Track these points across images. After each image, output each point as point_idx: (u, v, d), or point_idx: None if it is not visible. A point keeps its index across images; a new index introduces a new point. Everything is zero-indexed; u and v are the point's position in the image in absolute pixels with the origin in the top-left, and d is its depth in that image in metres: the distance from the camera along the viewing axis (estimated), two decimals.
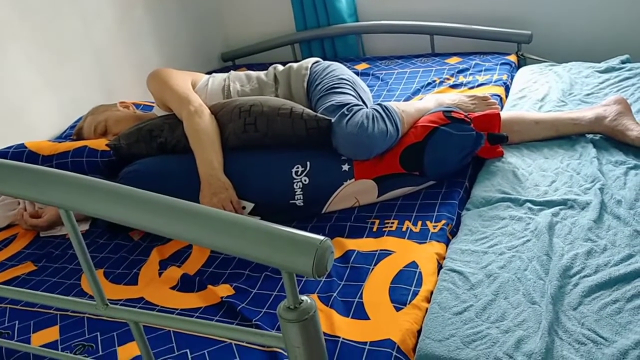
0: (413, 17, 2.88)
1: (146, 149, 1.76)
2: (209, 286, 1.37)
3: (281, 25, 3.17)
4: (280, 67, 2.03)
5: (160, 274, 1.46)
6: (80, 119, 2.15)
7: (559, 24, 2.68)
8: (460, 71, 2.48)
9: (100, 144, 1.82)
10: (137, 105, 2.28)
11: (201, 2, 3.14)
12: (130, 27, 2.69)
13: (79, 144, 1.84)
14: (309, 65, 1.97)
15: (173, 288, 1.39)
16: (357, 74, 2.65)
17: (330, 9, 2.94)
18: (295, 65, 2.00)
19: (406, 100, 2.30)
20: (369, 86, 2.21)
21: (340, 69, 1.95)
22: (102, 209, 0.81)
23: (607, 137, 1.71)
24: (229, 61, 3.27)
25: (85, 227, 1.75)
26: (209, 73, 2.78)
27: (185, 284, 1.39)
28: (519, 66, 2.53)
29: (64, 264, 1.58)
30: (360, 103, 1.76)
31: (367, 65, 2.80)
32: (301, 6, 3.02)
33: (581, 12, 2.62)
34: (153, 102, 2.06)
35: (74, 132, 2.08)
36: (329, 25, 3.00)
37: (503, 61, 2.50)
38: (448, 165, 1.66)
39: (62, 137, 2.23)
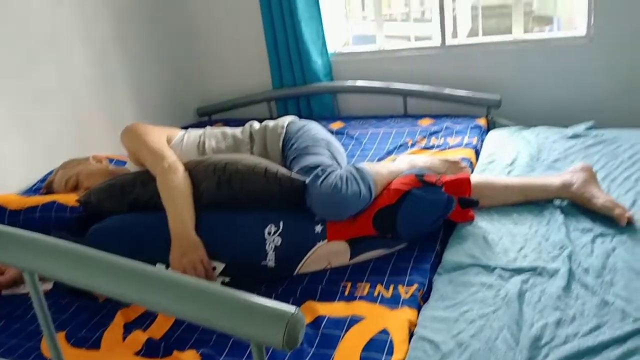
0: (387, 78, 2.96)
1: (117, 205, 1.74)
2: (175, 352, 1.33)
3: (258, 82, 3.22)
4: (256, 125, 2.04)
5: (124, 338, 1.41)
6: (51, 172, 2.12)
7: (526, 89, 2.78)
8: (432, 133, 2.53)
9: (70, 199, 1.79)
10: (110, 160, 2.26)
11: (179, 56, 3.18)
12: (107, 79, 2.70)
13: (48, 199, 1.81)
14: (285, 124, 1.99)
15: (137, 353, 1.34)
16: (331, 132, 2.68)
17: (307, 68, 3.01)
18: (271, 123, 2.02)
19: (380, 160, 2.33)
20: (343, 145, 2.24)
21: (315, 129, 1.98)
22: (66, 274, 0.80)
23: (575, 204, 1.75)
24: (205, 116, 3.29)
25: (48, 286, 1.70)
26: (185, 127, 2.79)
27: (150, 349, 1.35)
28: (488, 129, 2.60)
29: (25, 325, 1.52)
30: (335, 164, 1.78)
31: (342, 124, 2.85)
32: (278, 64, 3.07)
33: (547, 78, 2.73)
34: (127, 157, 2.05)
35: (44, 185, 2.04)
36: (305, 84, 3.05)
37: (473, 124, 2.57)
38: (420, 228, 1.68)
39: (32, 190, 2.18)
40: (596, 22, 2.57)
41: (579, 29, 2.76)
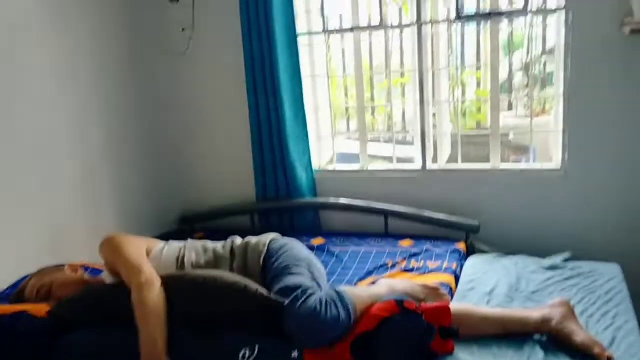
0: (369, 197, 3.02)
1: (89, 318, 1.69)
2: None
3: (242, 194, 3.26)
4: (238, 241, 2.05)
5: None
6: (25, 277, 2.06)
7: (505, 217, 2.85)
8: (412, 255, 2.55)
9: (41, 310, 1.74)
10: (86, 268, 2.22)
11: (164, 163, 3.23)
12: (90, 185, 2.71)
13: (18, 309, 1.75)
14: (267, 242, 2.00)
15: None
16: (312, 248, 2.69)
17: (291, 183, 3.06)
18: (253, 240, 2.02)
19: (360, 280, 2.32)
20: (323, 262, 2.23)
21: (297, 248, 1.99)
22: None
23: (554, 339, 1.73)
24: (187, 224, 3.28)
25: None
26: (166, 235, 2.78)
27: None
28: (468, 254, 2.63)
29: None
30: (315, 286, 1.76)
31: (323, 241, 2.86)
32: (263, 177, 3.13)
33: (525, 207, 2.80)
34: (104, 265, 2.02)
35: (14, 292, 1.98)
36: (289, 199, 3.09)
37: (452, 248, 2.59)
38: (399, 356, 1.64)
39: (2, 297, 2.11)
40: (570, 156, 2.69)
41: (554, 161, 2.88)
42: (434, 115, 3.18)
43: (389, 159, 3.34)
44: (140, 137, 3.03)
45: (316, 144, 3.23)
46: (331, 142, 3.33)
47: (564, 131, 2.70)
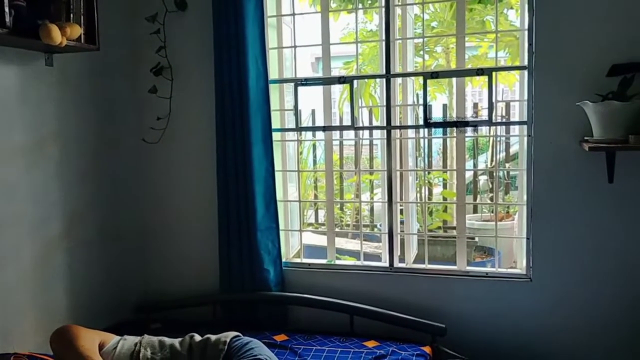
0: (335, 293, 2.98)
1: None
2: None
3: (204, 283, 3.18)
4: (197, 338, 1.98)
5: None
6: None
7: (471, 320, 2.83)
8: (378, 357, 2.49)
9: None
10: (32, 358, 2.08)
11: (123, 247, 3.11)
12: (43, 269, 2.59)
13: None
14: (228, 340, 1.94)
15: None
16: (275, 344, 2.61)
17: (258, 275, 3.00)
18: (213, 337, 1.96)
19: None
20: None
21: (259, 348, 1.93)
22: None
23: None
24: (144, 314, 3.15)
25: None
26: (121, 324, 2.67)
27: None
28: (434, 357, 2.58)
29: None
30: None
31: (286, 337, 2.77)
32: (228, 268, 3.07)
33: (491, 311, 2.80)
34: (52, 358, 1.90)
35: None
36: (253, 291, 3.03)
37: (418, 352, 2.55)
38: None
39: None
40: (535, 263, 2.73)
41: (519, 266, 2.92)
42: (401, 211, 3.24)
43: (357, 253, 3.35)
44: (101, 220, 2.95)
45: (283, 236, 3.21)
46: (298, 235, 3.32)
47: (527, 238, 2.76)
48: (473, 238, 4.05)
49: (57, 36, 2.23)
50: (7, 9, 2.07)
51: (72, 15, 2.42)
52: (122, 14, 3.03)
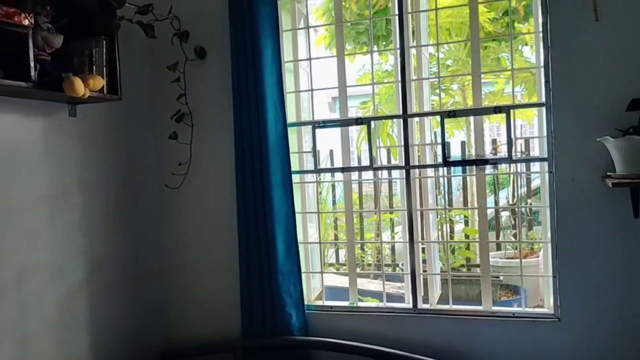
0: (358, 336, 2.92)
1: None
2: None
3: (226, 329, 3.15)
4: None
5: None
6: None
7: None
8: None
9: None
10: None
11: (145, 294, 3.11)
12: (66, 319, 2.59)
13: None
14: None
15: None
16: None
17: (280, 319, 2.97)
18: None
19: None
20: None
21: None
22: None
23: None
24: (167, 359, 3.13)
25: None
26: None
27: None
28: None
29: None
30: None
31: None
32: (250, 313, 3.04)
33: (518, 353, 2.72)
34: None
35: None
36: (275, 336, 2.99)
37: None
38: None
39: None
40: (563, 302, 2.66)
41: (547, 305, 2.84)
42: (423, 250, 3.20)
43: (380, 294, 3.29)
44: (123, 266, 2.96)
45: (305, 278, 3.18)
46: (320, 277, 3.29)
47: (554, 276, 2.70)
48: (498, 277, 3.97)
49: (80, 88, 2.29)
50: (32, 64, 2.14)
51: (95, 67, 2.50)
52: (143, 64, 3.12)
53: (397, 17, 2.91)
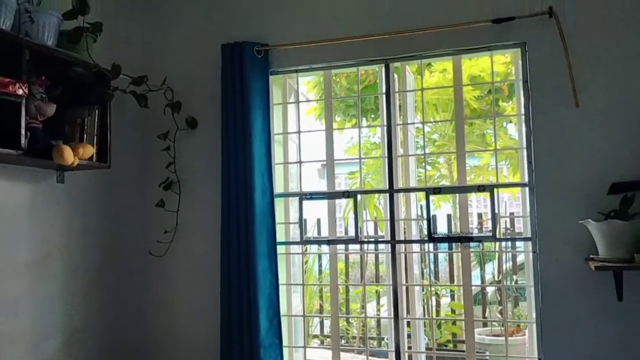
0: None
1: None
2: None
3: None
4: None
5: None
6: None
7: None
8: None
9: None
10: None
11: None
12: None
13: None
14: None
15: None
16: None
17: None
18: None
19: None
20: None
21: None
22: None
23: None
24: None
25: None
26: None
27: None
28: None
29: None
30: None
31: None
32: None
33: None
34: None
35: None
36: None
37: None
38: None
39: None
40: None
41: None
42: (409, 323, 3.15)
43: None
44: (101, 339, 2.87)
45: (287, 352, 3.10)
46: (302, 351, 3.22)
47: (539, 358, 2.66)
48: (483, 354, 3.90)
49: (69, 157, 2.31)
50: (23, 132, 2.16)
51: (86, 136, 2.53)
52: (134, 132, 3.15)
53: (384, 95, 2.99)
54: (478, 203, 7.73)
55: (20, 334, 2.41)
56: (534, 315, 2.72)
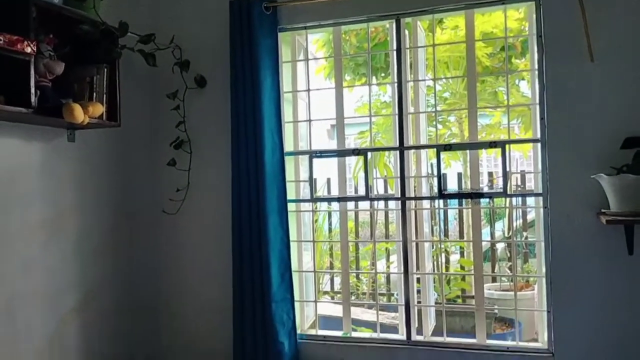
0: None
1: None
2: None
3: (219, 356, 3.11)
4: None
5: None
6: None
7: None
8: None
9: None
10: None
11: (137, 321, 3.09)
12: (58, 344, 2.57)
13: None
14: None
15: None
16: None
17: (272, 348, 2.94)
18: None
19: None
20: None
21: None
22: None
23: None
24: None
25: None
26: None
27: None
28: None
29: None
30: None
31: None
32: (242, 342, 3.00)
33: None
34: None
35: None
36: None
37: None
38: None
39: None
40: (557, 337, 2.65)
41: (541, 339, 2.83)
42: (418, 280, 3.19)
43: (374, 324, 3.27)
44: (115, 297, 2.94)
45: (298, 307, 3.16)
46: (314, 305, 3.28)
47: (548, 311, 2.69)
48: (492, 309, 3.95)
49: (79, 115, 2.32)
50: (33, 90, 2.16)
51: (95, 94, 2.53)
52: (143, 91, 3.15)
53: (395, 52, 2.95)
54: (489, 163, 7.70)
55: (35, 292, 2.47)
56: (543, 270, 2.74)
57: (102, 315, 2.85)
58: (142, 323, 3.14)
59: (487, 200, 3.11)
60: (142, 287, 3.14)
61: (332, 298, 4.92)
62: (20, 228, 2.40)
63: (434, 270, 3.46)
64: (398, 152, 2.97)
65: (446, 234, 5.07)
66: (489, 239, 4.42)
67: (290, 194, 3.11)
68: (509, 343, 2.93)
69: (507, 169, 2.80)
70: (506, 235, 4.89)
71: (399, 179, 2.98)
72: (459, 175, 4.61)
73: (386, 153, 4.99)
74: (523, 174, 4.77)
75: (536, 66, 2.73)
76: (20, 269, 2.40)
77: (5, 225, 2.33)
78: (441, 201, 3.02)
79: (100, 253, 2.85)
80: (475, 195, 2.86)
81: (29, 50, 2.13)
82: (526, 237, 4.65)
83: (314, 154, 3.12)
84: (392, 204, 4.32)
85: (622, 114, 2.52)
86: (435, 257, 3.75)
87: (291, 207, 3.11)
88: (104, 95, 2.57)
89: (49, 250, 2.55)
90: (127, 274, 3.03)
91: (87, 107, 2.39)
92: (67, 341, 2.64)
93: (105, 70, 2.58)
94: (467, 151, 3.73)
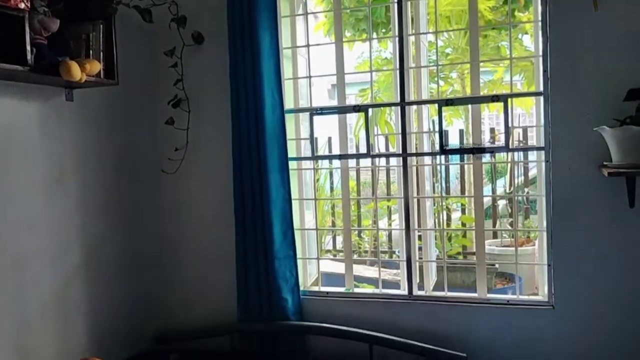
0: (354, 321, 2.94)
1: None
2: None
3: (223, 312, 3.17)
4: None
5: None
6: None
7: (491, 349, 2.77)
8: None
9: None
10: None
11: (141, 278, 3.13)
12: (61, 304, 2.61)
13: None
14: None
15: None
16: None
17: (276, 304, 2.99)
18: None
19: None
20: None
21: None
22: None
23: None
24: (162, 344, 3.15)
25: None
26: (140, 355, 2.66)
27: None
28: None
29: None
30: None
31: None
32: (246, 298, 3.06)
33: (512, 339, 2.74)
34: None
35: None
36: (271, 320, 3.01)
37: None
38: None
39: None
40: (557, 290, 2.68)
41: (541, 293, 2.87)
42: (420, 237, 3.21)
43: (376, 281, 3.31)
44: (119, 251, 2.98)
45: (301, 264, 3.19)
46: (316, 263, 3.31)
47: (549, 265, 2.71)
48: (493, 264, 3.99)
49: (76, 73, 2.29)
50: (28, 47, 2.13)
51: (91, 52, 2.49)
52: (140, 49, 3.10)
53: (396, 5, 2.89)
54: (490, 120, 7.65)
55: (40, 249, 2.49)
56: (544, 224, 2.75)
57: (106, 270, 2.89)
58: (147, 277, 3.18)
59: (489, 157, 3.10)
60: (144, 243, 3.17)
61: (335, 256, 4.97)
62: (22, 187, 2.41)
63: (435, 227, 3.47)
64: (399, 107, 2.95)
65: (448, 192, 5.08)
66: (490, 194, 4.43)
67: (291, 153, 3.10)
68: (509, 297, 2.97)
69: (510, 124, 2.77)
70: (508, 191, 4.90)
71: (400, 135, 2.96)
72: (461, 132, 4.59)
73: (387, 111, 4.96)
74: (525, 130, 4.74)
75: (539, 18, 2.67)
76: (24, 227, 2.41)
77: (7, 184, 2.34)
78: (443, 157, 3.00)
79: (102, 210, 2.86)
80: (477, 150, 2.85)
81: (22, 5, 2.09)
82: (527, 193, 4.65)
83: (314, 112, 3.09)
84: (393, 161, 4.31)
85: (626, 65, 2.48)
86: (436, 215, 3.76)
87: (292, 165, 3.10)
88: (101, 53, 2.53)
89: (52, 208, 2.56)
90: (130, 230, 3.05)
91: (84, 65, 2.36)
92: (74, 296, 2.69)
93: (101, 27, 2.53)
94: (469, 107, 3.71)
